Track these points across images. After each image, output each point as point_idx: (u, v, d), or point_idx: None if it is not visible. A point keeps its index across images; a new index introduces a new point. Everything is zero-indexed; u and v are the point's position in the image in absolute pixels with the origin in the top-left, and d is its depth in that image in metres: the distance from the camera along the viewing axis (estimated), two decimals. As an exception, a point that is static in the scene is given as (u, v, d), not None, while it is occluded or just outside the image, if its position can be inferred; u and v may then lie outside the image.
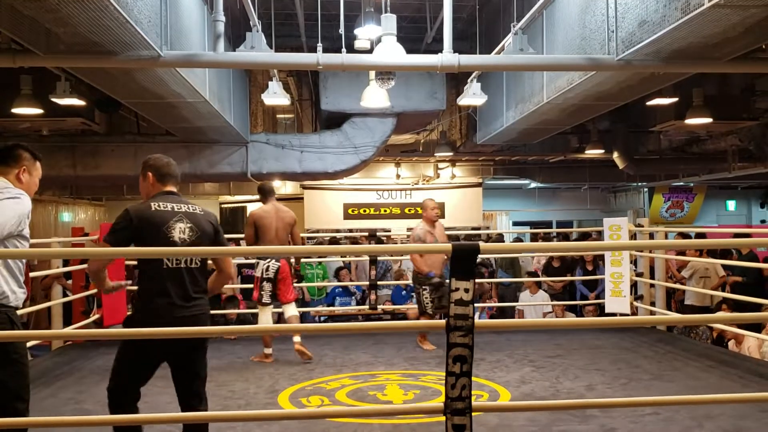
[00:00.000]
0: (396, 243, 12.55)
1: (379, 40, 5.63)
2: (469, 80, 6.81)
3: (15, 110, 7.45)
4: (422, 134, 12.54)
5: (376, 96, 7.76)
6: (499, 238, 13.15)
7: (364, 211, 13.64)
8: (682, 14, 4.07)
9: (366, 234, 8.13)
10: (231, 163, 9.75)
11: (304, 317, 8.47)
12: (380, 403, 4.36)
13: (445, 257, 5.95)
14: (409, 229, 10.75)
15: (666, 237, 8.89)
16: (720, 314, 6.76)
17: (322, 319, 8.93)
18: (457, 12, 7.50)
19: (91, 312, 6.47)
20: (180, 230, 3.03)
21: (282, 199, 7.34)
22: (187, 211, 3.10)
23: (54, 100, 7.14)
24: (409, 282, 8.06)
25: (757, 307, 6.16)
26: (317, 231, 13.29)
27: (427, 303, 6.06)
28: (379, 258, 7.33)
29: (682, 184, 15.91)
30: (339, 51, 5.27)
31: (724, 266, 8.29)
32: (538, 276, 9.38)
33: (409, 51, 5.65)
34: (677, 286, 8.09)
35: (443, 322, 2.60)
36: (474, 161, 13.96)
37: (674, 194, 16.47)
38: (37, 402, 3.75)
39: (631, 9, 4.72)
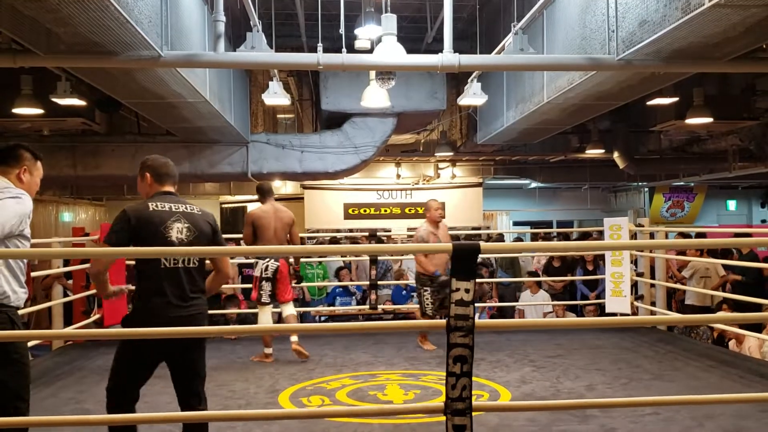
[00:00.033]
0: (396, 243, 12.54)
1: (380, 40, 5.62)
2: (469, 80, 6.81)
3: (15, 110, 7.45)
4: (422, 134, 12.54)
5: (376, 96, 7.75)
6: (500, 237, 13.16)
7: (365, 211, 13.63)
8: (683, 14, 4.07)
9: (366, 234, 8.13)
10: (231, 163, 9.74)
11: (304, 317, 8.48)
12: (380, 403, 4.37)
13: (449, 257, 5.94)
14: (409, 229, 10.75)
15: (666, 237, 8.90)
16: (720, 314, 6.76)
17: (322, 318, 8.93)
18: (457, 12, 7.49)
19: (92, 312, 6.48)
20: (178, 230, 3.03)
21: (282, 199, 7.35)
22: (185, 211, 3.10)
23: (54, 100, 7.15)
24: (410, 282, 8.07)
25: (758, 307, 6.16)
26: (317, 231, 13.29)
27: (428, 304, 6.06)
28: (379, 258, 7.33)
29: (682, 183, 15.89)
30: (339, 51, 5.27)
31: (725, 266, 8.29)
32: (539, 276, 9.37)
33: (409, 51, 5.65)
34: (678, 286, 8.09)
35: (444, 322, 2.60)
36: (474, 161, 13.95)
37: (675, 194, 16.46)
38: (37, 402, 3.76)
39: (631, 9, 4.71)
